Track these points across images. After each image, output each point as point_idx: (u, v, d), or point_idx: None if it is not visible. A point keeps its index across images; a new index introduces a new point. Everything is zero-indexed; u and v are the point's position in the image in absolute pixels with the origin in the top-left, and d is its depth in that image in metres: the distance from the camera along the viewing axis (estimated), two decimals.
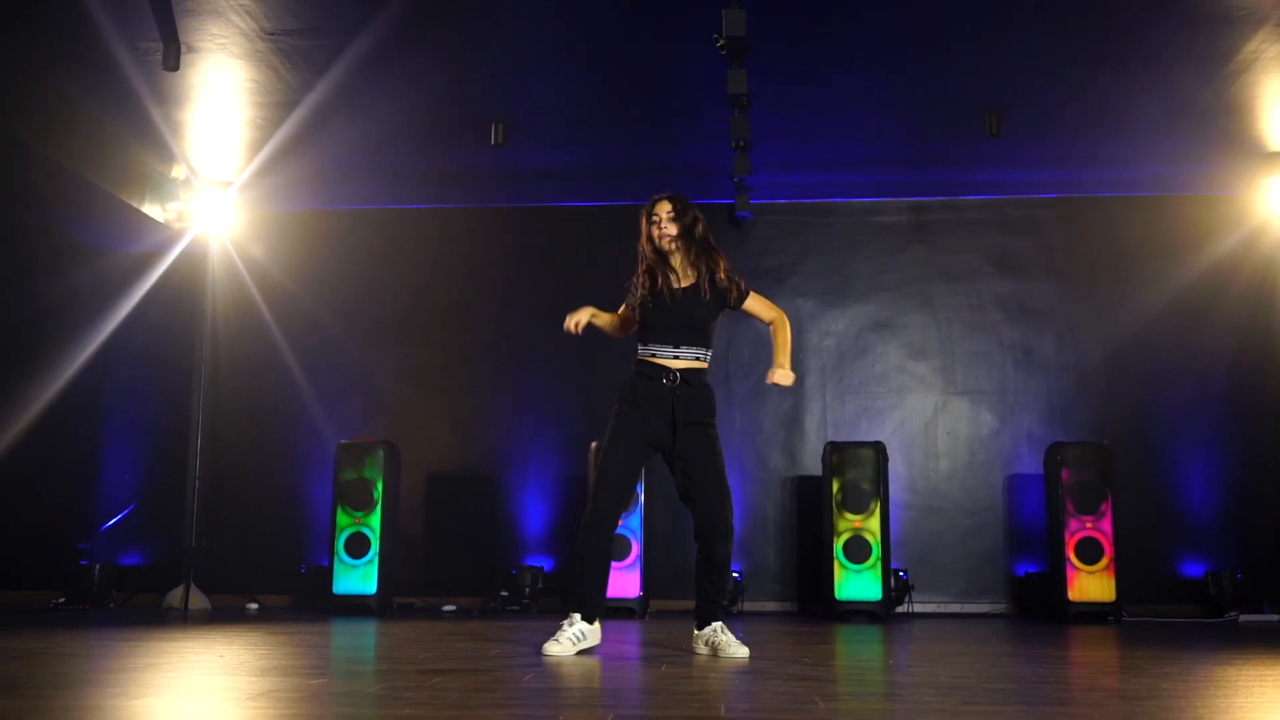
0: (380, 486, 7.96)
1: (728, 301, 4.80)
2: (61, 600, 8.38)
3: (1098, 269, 8.90)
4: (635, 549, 7.82)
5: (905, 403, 8.88)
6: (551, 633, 4.70)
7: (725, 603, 4.91)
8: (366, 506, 7.91)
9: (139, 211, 8.48)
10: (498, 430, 8.98)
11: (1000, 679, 3.94)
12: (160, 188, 8.70)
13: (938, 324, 8.96)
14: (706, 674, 4.00)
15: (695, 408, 4.73)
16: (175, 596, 8.43)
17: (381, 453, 8.02)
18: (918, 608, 8.35)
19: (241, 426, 9.03)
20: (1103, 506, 7.71)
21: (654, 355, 4.75)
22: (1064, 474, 7.75)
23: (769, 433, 8.89)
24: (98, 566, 8.70)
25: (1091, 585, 7.63)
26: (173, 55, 6.39)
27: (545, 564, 8.62)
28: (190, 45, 6.58)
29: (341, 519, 7.91)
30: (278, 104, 7.45)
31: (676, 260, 4.83)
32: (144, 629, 6.23)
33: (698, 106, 7.42)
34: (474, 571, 8.70)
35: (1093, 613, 7.59)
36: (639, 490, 7.87)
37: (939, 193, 8.99)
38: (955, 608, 8.50)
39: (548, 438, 8.90)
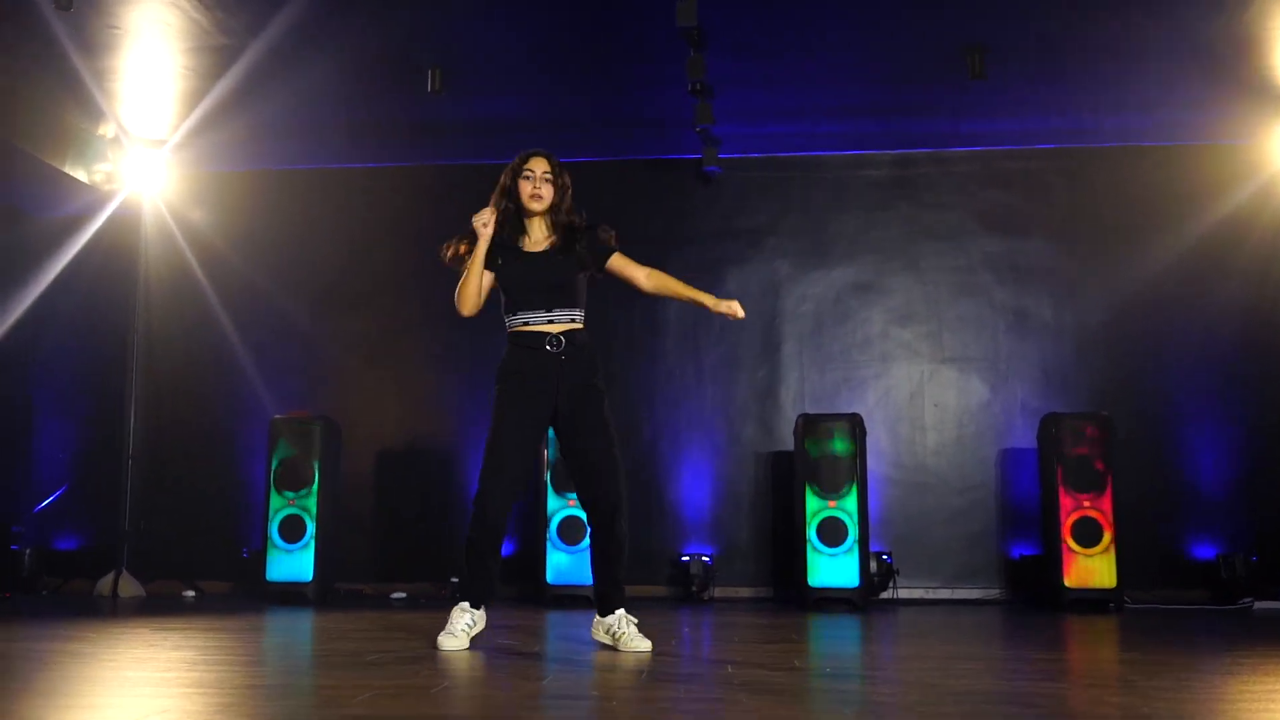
0: (317, 465, 7.37)
1: (595, 260, 4.45)
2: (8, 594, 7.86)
3: (1098, 225, 8.20)
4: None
5: (889, 372, 8.24)
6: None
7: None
8: (303, 486, 7.33)
9: (66, 174, 7.92)
10: (449, 404, 8.37)
11: (961, 696, 3.33)
12: (88, 147, 8.11)
13: (924, 286, 8.30)
14: (608, 671, 3.40)
15: (581, 368, 4.36)
16: (106, 584, 7.90)
17: (318, 429, 7.43)
18: (903, 593, 7.73)
19: (179, 401, 8.47)
20: (1102, 483, 7.06)
21: (526, 324, 4.38)
22: (1059, 448, 7.11)
23: (742, 405, 8.27)
24: (28, 551, 8.19)
25: (1090, 569, 7.00)
26: None
27: (503, 549, 8.00)
28: None
29: (275, 500, 7.34)
30: (211, 48, 6.81)
31: (534, 222, 4.49)
32: (52, 620, 5.70)
33: (656, 50, 6.75)
34: (426, 557, 8.11)
35: (1091, 599, 6.96)
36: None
37: (924, 144, 8.30)
38: (945, 593, 7.88)
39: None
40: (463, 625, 4.32)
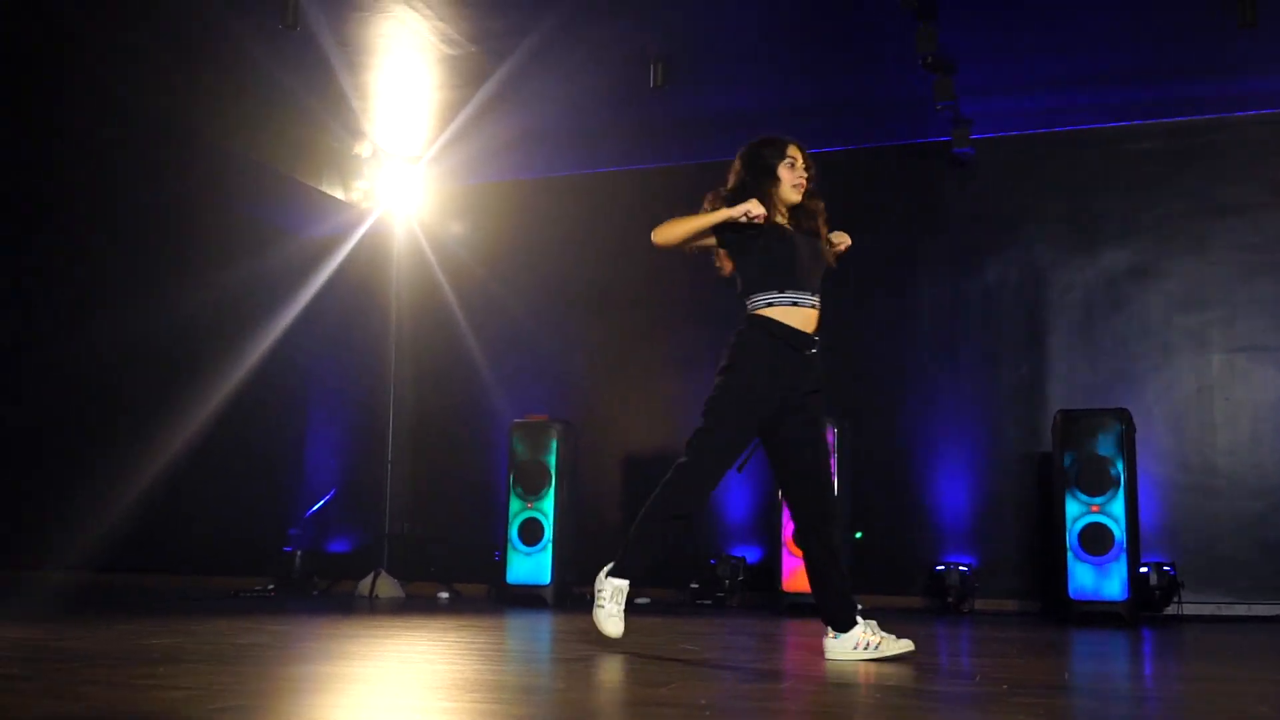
0: (554, 468, 7.35)
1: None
2: (271, 587, 8.30)
3: None
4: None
5: (1171, 363, 7.42)
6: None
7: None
8: (539, 490, 7.33)
9: (325, 193, 8.31)
10: (688, 408, 8.15)
11: None
12: (346, 166, 8.48)
13: (1211, 267, 7.43)
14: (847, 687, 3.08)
15: (817, 373, 4.04)
16: (366, 585, 8.18)
17: (556, 430, 7.41)
18: (1190, 609, 6.91)
19: (436, 408, 8.70)
20: None
21: (797, 303, 3.95)
22: None
23: (1003, 402, 7.66)
24: (299, 553, 8.59)
25: None
26: (291, 11, 6.00)
27: (748, 554, 7.77)
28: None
29: (514, 504, 7.37)
30: (462, 58, 6.94)
31: (780, 207, 4.12)
32: (295, 616, 5.88)
33: (891, 25, 6.32)
34: (668, 562, 7.90)
35: None
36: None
37: (1204, 110, 7.44)
38: (1240, 609, 7.00)
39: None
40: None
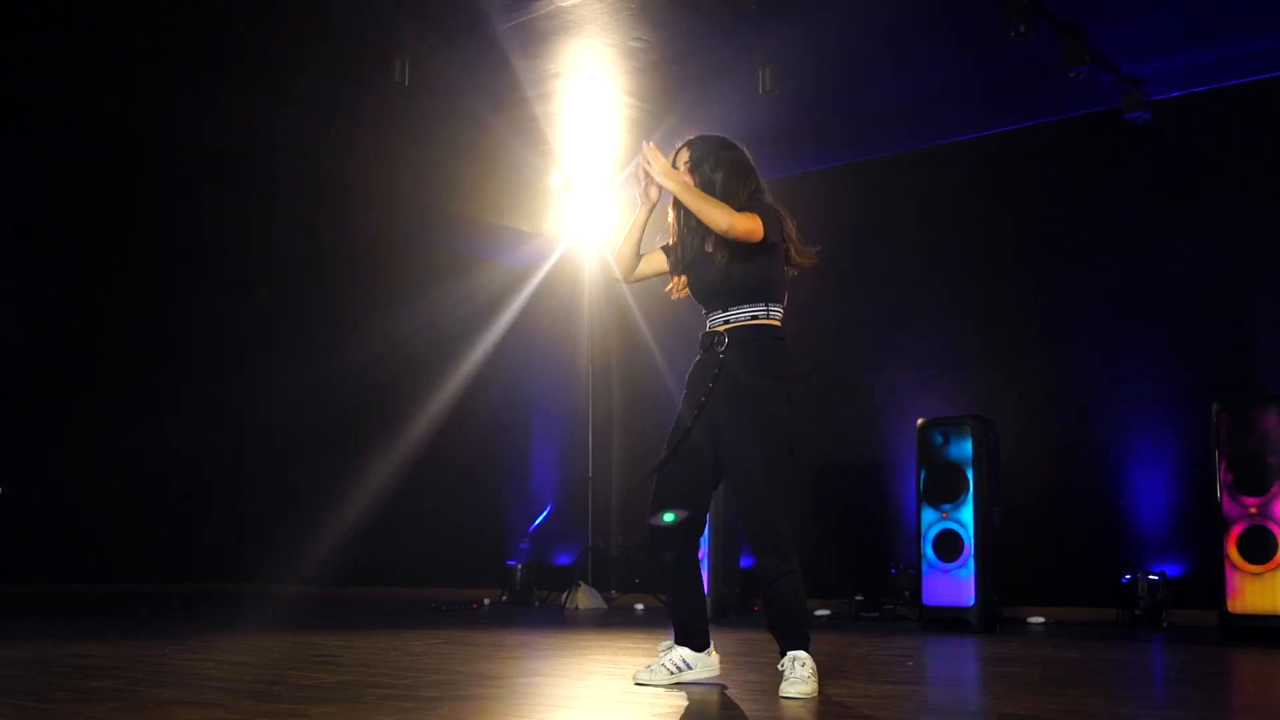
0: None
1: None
2: (504, 598, 8.92)
3: None
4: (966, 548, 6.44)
5: None
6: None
7: None
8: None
9: (519, 226, 8.84)
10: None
11: None
12: (538, 198, 8.95)
13: None
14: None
15: None
16: (570, 597, 8.56)
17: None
18: None
19: (638, 427, 8.89)
20: None
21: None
22: None
23: (1207, 389, 6.85)
24: (521, 566, 9.10)
25: None
26: (399, 70, 6.48)
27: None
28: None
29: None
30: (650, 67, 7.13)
31: None
32: (485, 629, 6.24)
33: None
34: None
35: None
36: (968, 477, 6.52)
37: None
38: None
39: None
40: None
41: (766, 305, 3.52)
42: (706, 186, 3.56)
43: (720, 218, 3.42)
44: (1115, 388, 7.18)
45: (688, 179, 3.60)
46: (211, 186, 8.71)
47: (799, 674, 3.31)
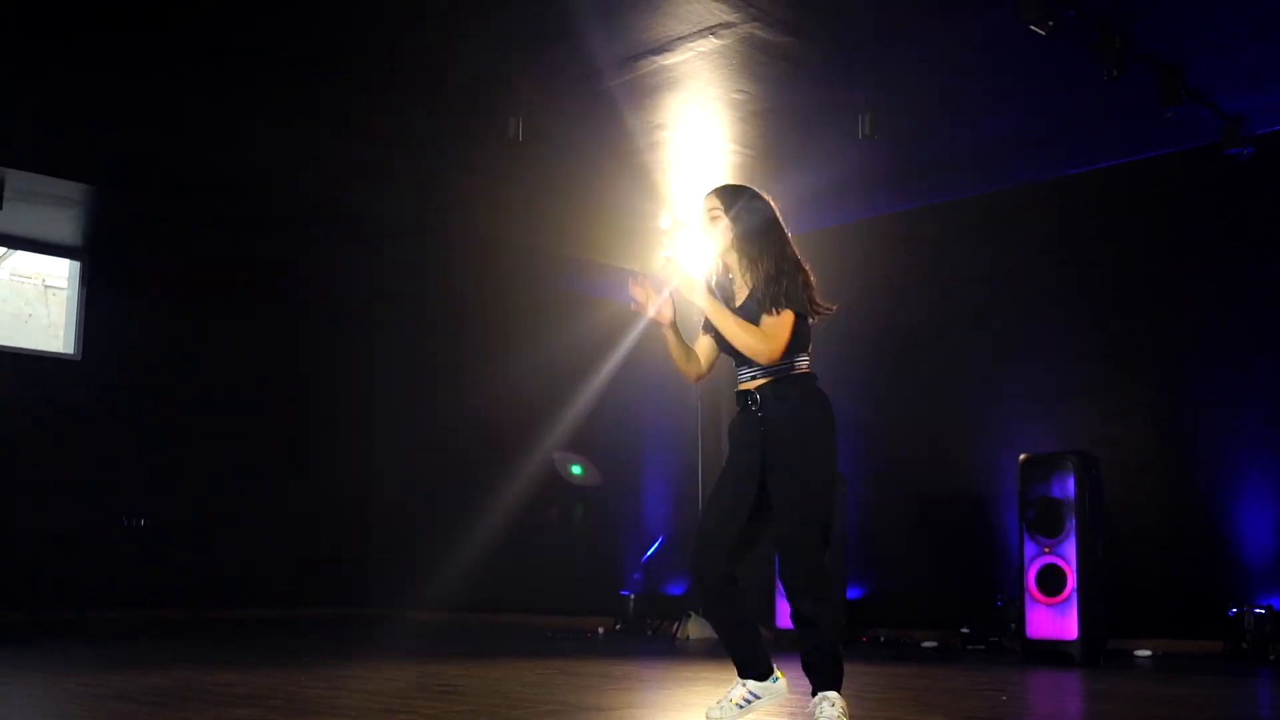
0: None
1: None
2: (618, 627, 9.24)
3: None
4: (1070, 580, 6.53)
5: None
6: None
7: None
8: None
9: (626, 266, 9.17)
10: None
11: None
12: (647, 239, 9.27)
13: None
14: None
15: None
16: (681, 628, 8.82)
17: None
18: None
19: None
20: None
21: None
22: None
23: None
24: (633, 596, 9.39)
25: None
26: (513, 127, 6.86)
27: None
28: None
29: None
30: (753, 115, 7.39)
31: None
32: (597, 658, 6.54)
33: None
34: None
35: None
36: (1070, 513, 6.61)
37: None
38: None
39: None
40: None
41: (793, 358, 3.66)
42: (738, 238, 3.78)
43: (756, 347, 3.60)
44: (1221, 420, 7.19)
45: (711, 227, 3.88)
46: (359, 247, 9.48)
47: (829, 714, 3.48)
